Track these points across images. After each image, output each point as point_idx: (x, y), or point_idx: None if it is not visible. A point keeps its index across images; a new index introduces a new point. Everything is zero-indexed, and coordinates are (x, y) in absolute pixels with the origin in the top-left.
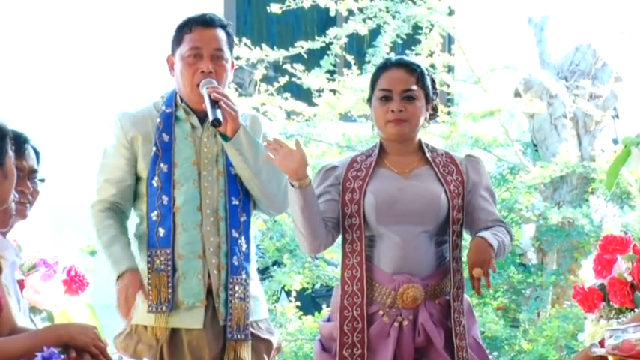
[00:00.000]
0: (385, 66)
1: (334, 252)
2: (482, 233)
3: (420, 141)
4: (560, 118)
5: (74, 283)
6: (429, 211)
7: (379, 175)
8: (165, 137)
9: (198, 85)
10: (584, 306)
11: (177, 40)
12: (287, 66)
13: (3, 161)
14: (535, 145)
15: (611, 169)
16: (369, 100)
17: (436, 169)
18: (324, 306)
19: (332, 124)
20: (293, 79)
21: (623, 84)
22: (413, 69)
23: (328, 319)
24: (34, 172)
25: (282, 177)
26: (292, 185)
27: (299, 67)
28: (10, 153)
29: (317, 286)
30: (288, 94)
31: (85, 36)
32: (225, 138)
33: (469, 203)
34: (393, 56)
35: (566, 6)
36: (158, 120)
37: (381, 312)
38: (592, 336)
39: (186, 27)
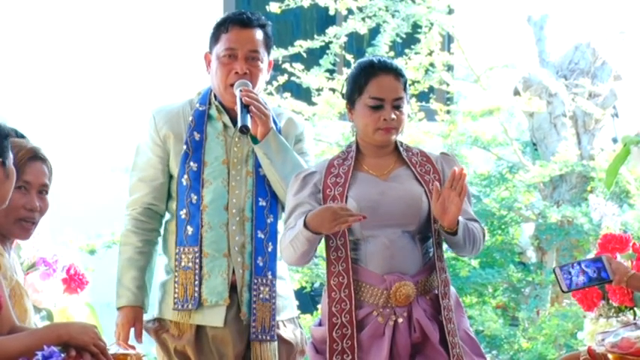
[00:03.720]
0: (373, 71)
1: None
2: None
3: (395, 142)
4: (559, 116)
5: (73, 281)
6: (411, 213)
7: (358, 179)
8: (197, 136)
9: (232, 85)
10: (583, 305)
11: (215, 38)
12: (286, 65)
13: (4, 160)
14: (534, 144)
15: (611, 168)
16: (351, 100)
17: (413, 168)
18: (319, 306)
19: (331, 123)
20: (292, 78)
21: (623, 83)
22: (400, 75)
23: (319, 324)
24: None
25: None
26: (313, 232)
27: (298, 66)
28: (11, 153)
29: (316, 285)
30: (287, 94)
31: (86, 35)
32: (255, 140)
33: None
34: (374, 57)
35: (566, 5)
36: (190, 118)
37: (374, 313)
38: (591, 335)
39: (224, 26)
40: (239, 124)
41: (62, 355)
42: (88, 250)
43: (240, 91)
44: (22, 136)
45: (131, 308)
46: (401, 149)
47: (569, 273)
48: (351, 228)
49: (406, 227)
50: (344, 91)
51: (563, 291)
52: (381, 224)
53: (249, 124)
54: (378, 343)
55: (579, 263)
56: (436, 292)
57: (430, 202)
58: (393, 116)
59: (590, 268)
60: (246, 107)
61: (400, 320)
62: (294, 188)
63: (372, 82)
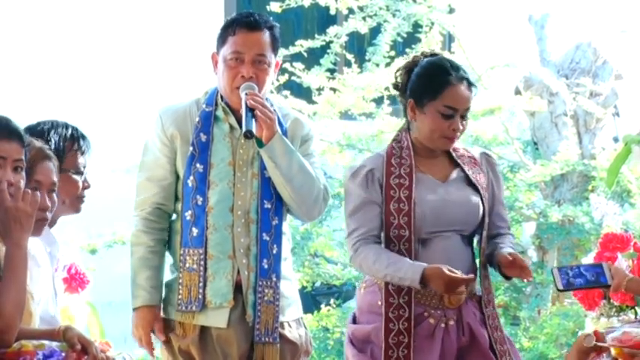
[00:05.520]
0: (450, 79)
1: (334, 250)
2: (512, 252)
3: None
4: (560, 116)
5: (74, 281)
6: (470, 219)
7: (420, 182)
8: (203, 137)
9: (238, 88)
10: (584, 304)
11: (222, 40)
12: (287, 65)
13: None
14: (535, 143)
15: (612, 167)
16: (420, 102)
17: (467, 172)
18: (322, 306)
19: (332, 122)
20: (293, 77)
21: (624, 82)
22: (472, 85)
23: (354, 321)
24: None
25: (314, 186)
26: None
27: (299, 65)
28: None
29: (317, 284)
30: (287, 93)
31: (87, 36)
32: (260, 143)
33: (490, 206)
34: (447, 61)
35: (567, 4)
36: (197, 119)
37: (425, 314)
38: None
39: (231, 28)
40: (243, 129)
41: (63, 354)
42: (89, 249)
43: (246, 94)
44: (83, 136)
45: (148, 308)
46: (451, 150)
47: (567, 274)
48: (416, 231)
49: (462, 232)
50: (408, 88)
51: (558, 289)
52: (442, 229)
53: (253, 128)
54: (429, 344)
55: (579, 267)
56: (479, 295)
57: (485, 210)
58: (461, 127)
59: (589, 272)
60: (251, 111)
61: (451, 323)
62: (357, 180)
63: (450, 90)
